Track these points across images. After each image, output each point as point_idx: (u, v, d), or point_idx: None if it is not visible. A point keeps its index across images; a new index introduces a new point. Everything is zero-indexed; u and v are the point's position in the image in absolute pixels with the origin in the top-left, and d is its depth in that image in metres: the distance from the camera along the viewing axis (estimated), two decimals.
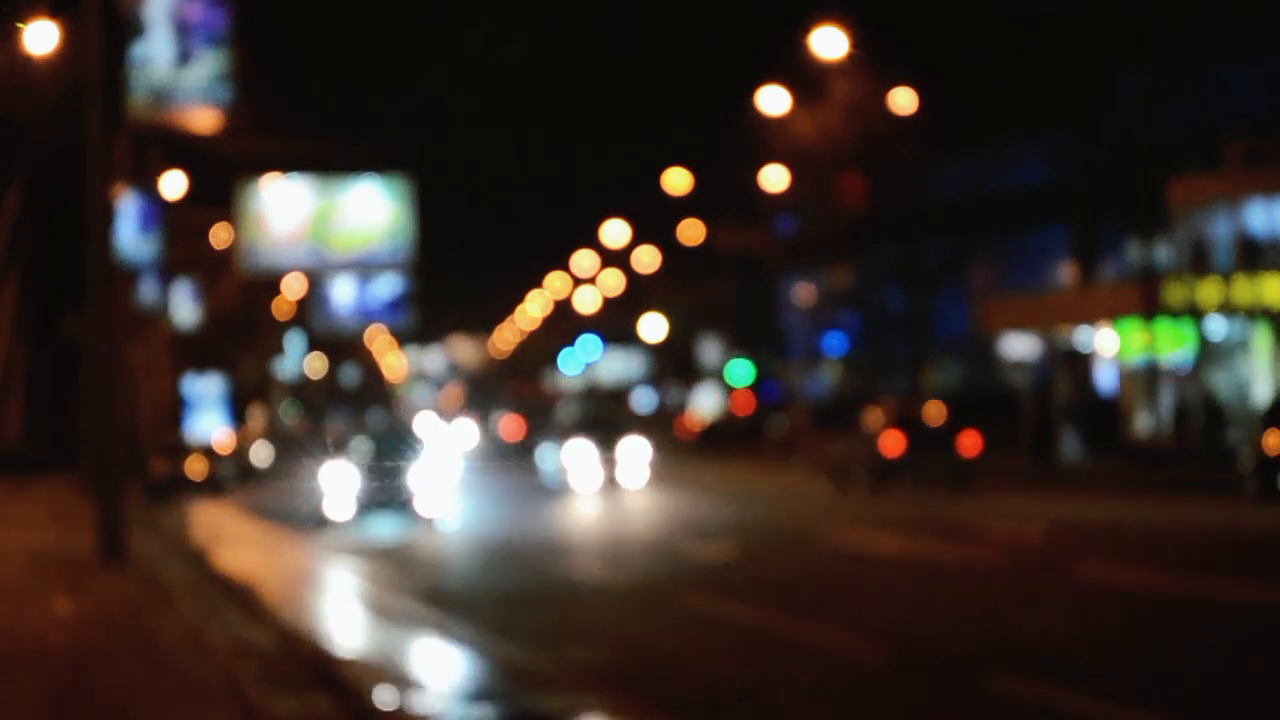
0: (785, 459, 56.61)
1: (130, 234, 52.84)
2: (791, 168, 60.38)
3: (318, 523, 31.82)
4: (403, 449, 33.02)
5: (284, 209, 62.02)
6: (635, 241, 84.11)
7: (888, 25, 50.43)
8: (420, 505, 31.85)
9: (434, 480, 32.25)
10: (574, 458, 43.07)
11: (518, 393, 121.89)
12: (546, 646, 15.86)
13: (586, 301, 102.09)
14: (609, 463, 42.67)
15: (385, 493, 32.25)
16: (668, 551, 25.68)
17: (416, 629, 17.58)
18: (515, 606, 19.48)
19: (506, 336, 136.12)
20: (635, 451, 43.15)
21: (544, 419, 69.45)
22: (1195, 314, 43.71)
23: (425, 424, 51.51)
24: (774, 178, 61.27)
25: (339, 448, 33.55)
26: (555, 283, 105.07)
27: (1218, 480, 34.47)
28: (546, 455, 45.49)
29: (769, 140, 58.46)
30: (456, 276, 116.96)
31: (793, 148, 58.46)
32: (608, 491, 41.40)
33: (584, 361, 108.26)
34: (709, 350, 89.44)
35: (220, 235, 64.85)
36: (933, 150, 55.37)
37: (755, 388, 75.97)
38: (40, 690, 12.86)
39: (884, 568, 22.49)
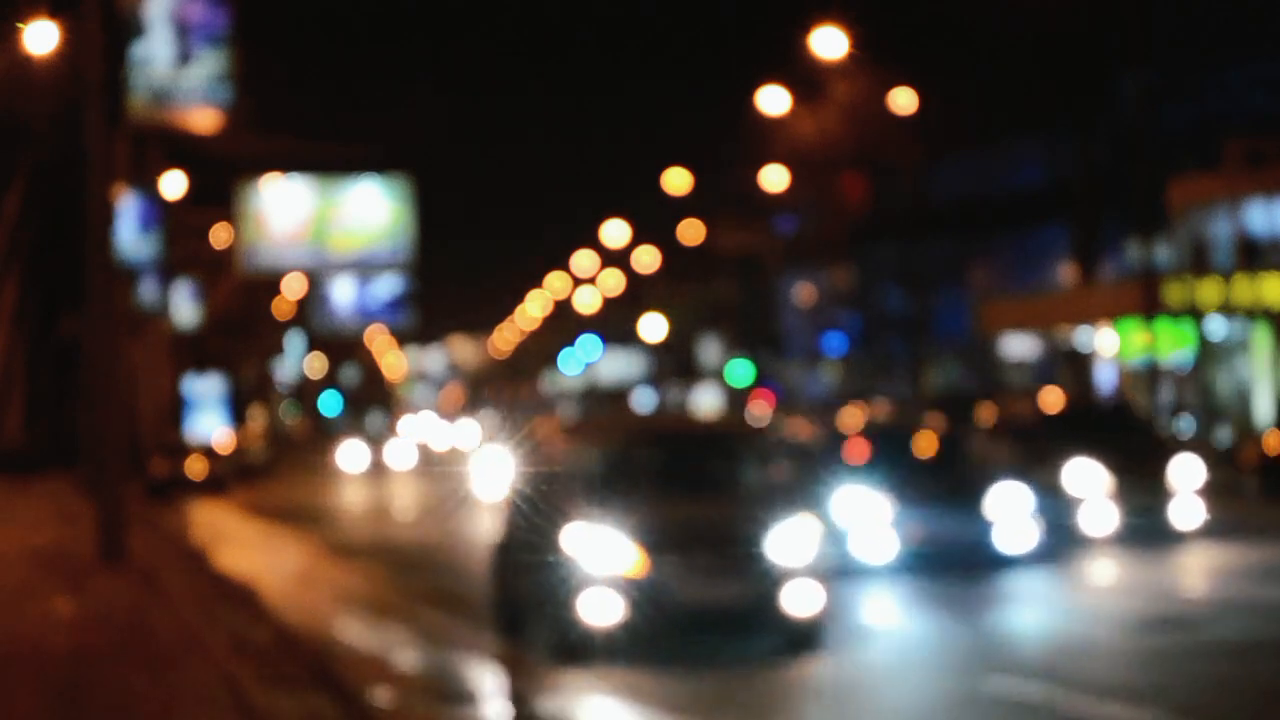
0: None
1: (130, 234, 52.86)
2: (791, 168, 60.35)
3: (570, 643, 15.27)
4: (729, 479, 16.66)
5: (284, 209, 62.05)
6: (635, 241, 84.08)
7: (888, 25, 50.41)
8: (793, 601, 15.27)
9: (811, 542, 15.54)
10: (1083, 487, 24.51)
11: (497, 395, 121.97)
12: None
13: (586, 301, 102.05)
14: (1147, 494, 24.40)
15: (701, 576, 15.22)
16: None
17: None
18: None
19: (506, 336, 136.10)
20: (1186, 476, 24.71)
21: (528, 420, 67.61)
22: (1195, 314, 43.70)
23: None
24: (774, 178, 61.23)
25: (593, 486, 16.02)
26: (555, 283, 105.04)
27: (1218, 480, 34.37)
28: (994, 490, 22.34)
29: (769, 140, 58.43)
30: (456, 276, 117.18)
31: (793, 148, 58.44)
32: (1152, 544, 23.50)
33: (584, 361, 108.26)
34: (709, 350, 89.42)
35: (220, 235, 64.87)
36: (933, 150, 55.33)
37: (770, 388, 75.87)
38: (40, 690, 12.85)
39: None
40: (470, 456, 35.04)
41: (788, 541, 15.18)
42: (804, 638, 15.31)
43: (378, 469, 60.21)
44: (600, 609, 14.92)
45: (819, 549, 15.49)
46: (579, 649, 15.11)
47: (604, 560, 14.97)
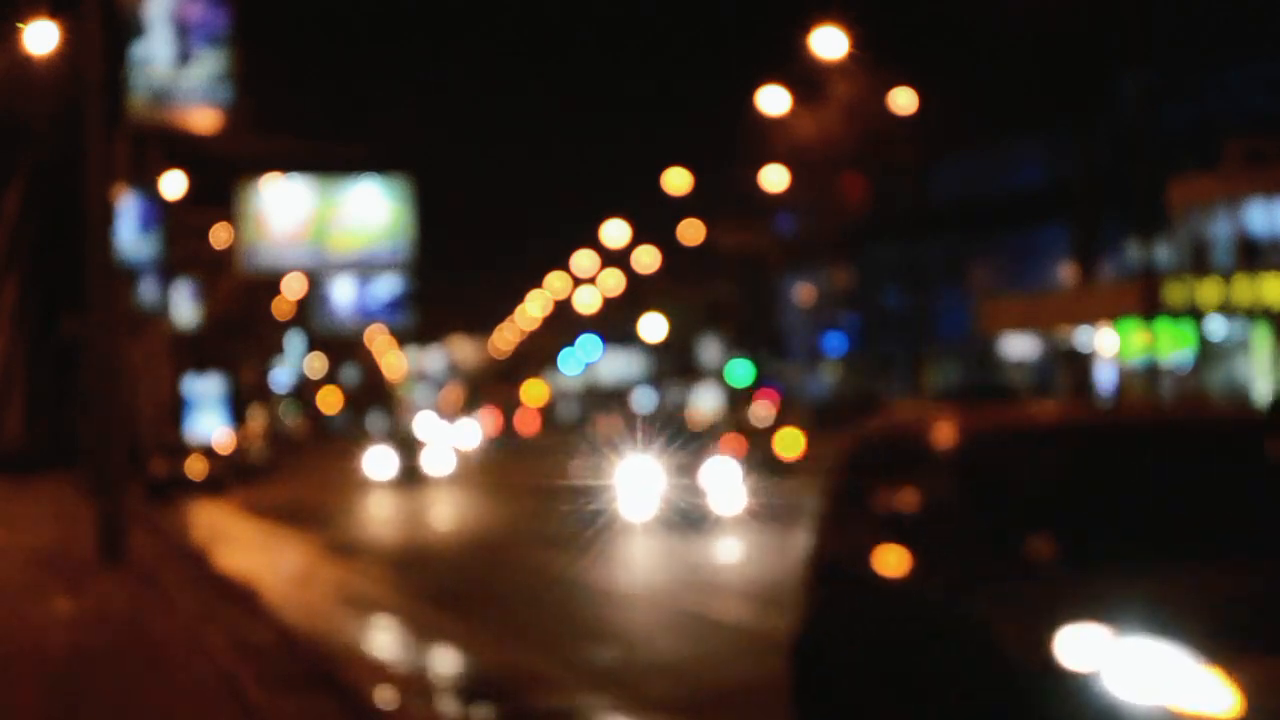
0: None
1: (130, 234, 52.90)
2: (791, 168, 60.37)
3: None
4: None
5: (284, 209, 62.08)
6: (635, 241, 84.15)
7: (888, 25, 50.45)
8: None
9: None
10: None
11: (493, 395, 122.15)
12: None
13: (586, 301, 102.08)
14: None
15: None
16: None
17: None
18: None
19: (506, 336, 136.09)
20: None
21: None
22: (1195, 314, 43.71)
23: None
24: (774, 178, 61.25)
25: (1087, 547, 7.51)
26: (555, 283, 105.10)
27: None
28: None
29: (769, 140, 58.45)
30: (456, 276, 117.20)
31: (793, 148, 58.46)
32: None
33: (584, 361, 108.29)
34: (709, 350, 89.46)
35: (220, 235, 64.90)
36: (933, 150, 55.37)
37: (771, 388, 75.88)
38: (40, 690, 12.85)
39: None
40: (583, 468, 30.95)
41: None
42: None
43: (411, 476, 51.92)
44: None
45: None
46: None
47: (1158, 696, 6.94)
